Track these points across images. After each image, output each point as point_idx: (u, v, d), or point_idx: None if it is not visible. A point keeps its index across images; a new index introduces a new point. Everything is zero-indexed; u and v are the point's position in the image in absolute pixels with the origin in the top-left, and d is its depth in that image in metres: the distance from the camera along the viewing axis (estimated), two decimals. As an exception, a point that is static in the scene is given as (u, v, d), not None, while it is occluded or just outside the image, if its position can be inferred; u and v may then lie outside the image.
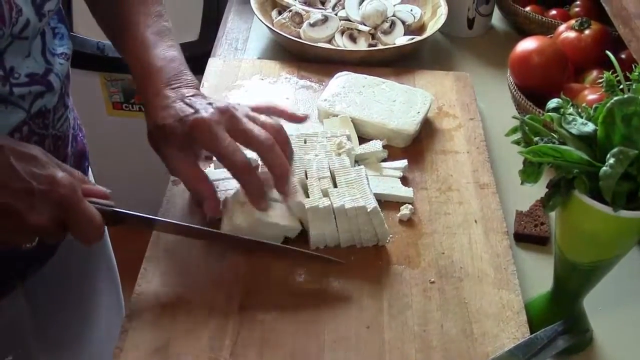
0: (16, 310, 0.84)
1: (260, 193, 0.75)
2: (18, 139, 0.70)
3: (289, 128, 0.94)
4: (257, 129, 0.73)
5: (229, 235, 0.76)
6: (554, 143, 0.63)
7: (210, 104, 0.73)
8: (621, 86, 0.65)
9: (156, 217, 0.76)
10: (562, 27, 1.12)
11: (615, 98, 0.59)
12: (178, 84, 0.75)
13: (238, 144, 0.72)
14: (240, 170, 0.72)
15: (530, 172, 0.64)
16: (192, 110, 0.72)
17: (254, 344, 0.69)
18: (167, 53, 0.78)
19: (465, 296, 0.75)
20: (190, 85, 0.75)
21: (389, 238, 0.81)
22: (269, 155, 0.73)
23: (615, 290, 0.79)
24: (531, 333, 0.71)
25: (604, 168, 0.57)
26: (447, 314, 0.73)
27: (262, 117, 0.76)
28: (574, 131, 0.62)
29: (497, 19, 1.36)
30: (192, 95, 0.74)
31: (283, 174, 0.75)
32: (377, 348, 0.69)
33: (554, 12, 1.27)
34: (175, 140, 0.72)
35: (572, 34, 1.09)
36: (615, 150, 0.57)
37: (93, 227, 0.65)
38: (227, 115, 0.73)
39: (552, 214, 0.87)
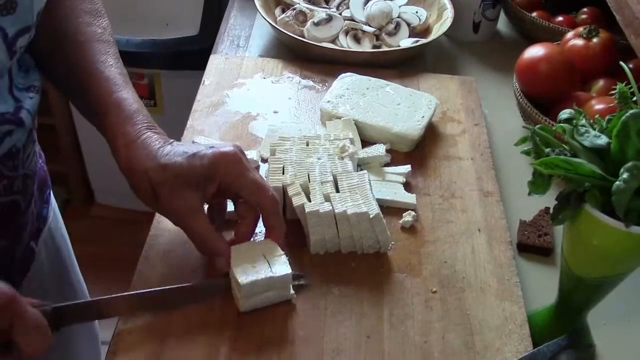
0: None
1: (284, 234, 0.71)
2: None
3: (292, 130, 0.92)
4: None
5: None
6: (565, 155, 0.61)
7: (214, 145, 0.69)
8: (634, 98, 0.63)
9: (100, 298, 0.66)
10: (569, 35, 1.10)
11: (631, 111, 0.57)
12: (157, 130, 0.69)
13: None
14: (272, 207, 0.68)
15: (539, 184, 0.63)
16: (202, 147, 0.67)
17: (251, 351, 0.67)
18: (136, 97, 0.71)
19: (468, 307, 0.74)
20: (165, 134, 0.70)
21: (390, 245, 0.79)
22: (277, 211, 0.70)
23: (619, 305, 0.77)
24: (533, 346, 0.70)
25: (617, 183, 0.56)
26: (449, 325, 0.72)
27: None
28: (586, 143, 0.60)
29: (502, 24, 1.35)
30: (176, 141, 0.69)
31: (282, 236, 0.71)
32: (377, 359, 0.68)
33: (560, 18, 1.26)
34: (187, 180, 0.65)
35: (579, 42, 1.08)
36: (629, 164, 0.56)
37: (41, 332, 0.58)
38: (244, 155, 0.69)
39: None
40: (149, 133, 0.67)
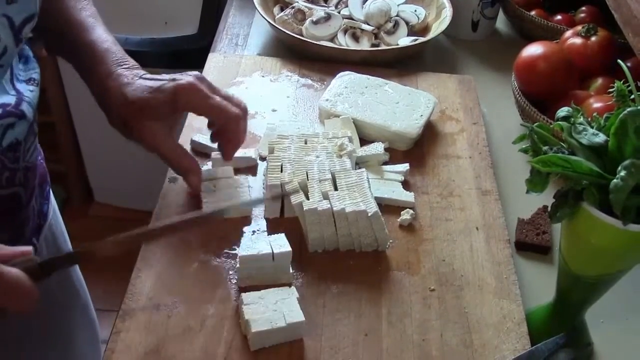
0: None
1: (238, 144, 0.79)
2: None
3: (290, 128, 0.92)
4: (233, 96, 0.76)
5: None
6: (563, 153, 0.61)
7: (175, 77, 0.74)
8: (632, 96, 0.63)
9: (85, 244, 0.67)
10: (568, 33, 1.10)
11: (629, 109, 0.57)
12: (127, 65, 0.74)
13: None
14: (239, 115, 0.74)
15: (537, 182, 0.63)
16: (165, 80, 0.73)
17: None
18: (108, 36, 0.77)
19: (466, 305, 0.74)
20: (138, 67, 0.75)
21: (388, 243, 0.79)
22: (240, 122, 0.76)
23: (617, 303, 0.77)
24: (531, 344, 0.70)
25: (615, 180, 0.56)
26: (447, 323, 0.72)
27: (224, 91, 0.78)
28: (584, 141, 0.60)
29: (501, 22, 1.34)
30: (147, 74, 0.74)
31: (240, 143, 0.78)
32: (375, 356, 0.68)
33: (559, 17, 1.26)
34: (152, 112, 0.72)
35: (578, 40, 1.08)
36: (627, 162, 0.56)
37: (22, 290, 0.57)
38: (205, 82, 0.75)
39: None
40: (119, 70, 0.73)
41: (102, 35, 0.76)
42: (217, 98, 0.74)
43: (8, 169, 0.69)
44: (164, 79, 0.73)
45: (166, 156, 0.75)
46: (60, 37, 0.77)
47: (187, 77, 0.74)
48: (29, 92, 0.70)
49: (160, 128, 0.73)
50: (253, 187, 0.84)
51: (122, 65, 0.74)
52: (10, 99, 0.67)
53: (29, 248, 0.61)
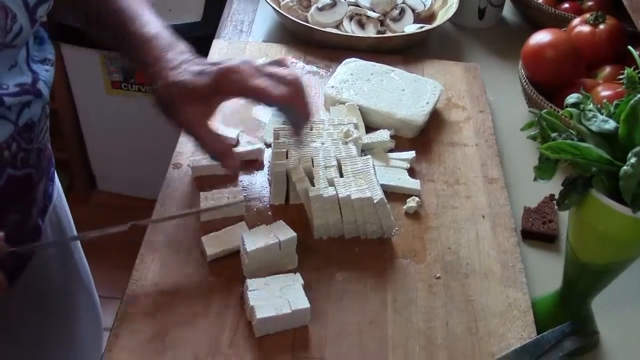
0: None
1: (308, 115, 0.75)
2: (7, 157, 0.67)
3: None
4: (283, 71, 0.73)
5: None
6: (572, 139, 0.60)
7: (220, 61, 0.73)
8: (643, 83, 0.63)
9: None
10: (576, 21, 1.09)
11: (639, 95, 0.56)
12: (177, 49, 0.74)
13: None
14: (294, 93, 0.71)
15: (545, 169, 0.62)
16: (210, 64, 0.72)
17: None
18: (157, 22, 0.77)
19: (471, 293, 0.73)
20: (187, 51, 0.75)
21: (394, 231, 0.79)
22: (301, 94, 0.73)
23: (623, 292, 0.77)
24: (537, 333, 0.69)
25: (625, 167, 0.55)
26: (453, 311, 0.71)
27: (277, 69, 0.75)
28: (594, 128, 0.60)
29: (508, 10, 1.33)
30: (196, 58, 0.74)
31: (310, 115, 0.74)
32: (380, 344, 0.67)
33: (566, 5, 1.24)
34: (195, 94, 0.71)
35: (586, 28, 1.07)
36: (637, 149, 0.55)
37: None
38: (250, 64, 0.73)
39: (561, 212, 0.85)
40: (167, 56, 0.73)
41: (147, 23, 0.76)
42: (260, 79, 0.72)
43: (23, 150, 0.70)
44: (208, 63, 0.73)
45: (200, 140, 0.73)
46: (106, 23, 0.77)
47: (231, 60, 0.73)
48: (45, 71, 0.71)
49: (199, 112, 0.72)
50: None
51: (169, 50, 0.74)
52: (26, 79, 0.68)
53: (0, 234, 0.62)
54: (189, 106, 0.71)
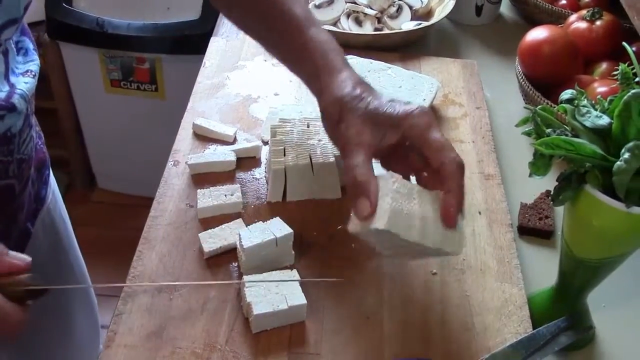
0: None
1: (459, 204, 0.66)
2: None
3: (292, 112, 0.92)
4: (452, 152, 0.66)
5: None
6: (566, 135, 0.61)
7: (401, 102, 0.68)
8: (637, 79, 0.63)
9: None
10: (573, 17, 1.10)
11: (633, 91, 0.57)
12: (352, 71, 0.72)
13: None
14: (453, 170, 0.64)
15: (540, 165, 0.63)
16: (398, 102, 0.67)
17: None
18: (325, 36, 0.74)
19: (467, 289, 0.74)
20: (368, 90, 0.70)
21: (391, 227, 0.79)
22: (458, 176, 0.65)
23: (619, 287, 0.77)
24: (533, 328, 0.70)
25: (618, 163, 0.56)
26: (449, 307, 0.72)
27: None
28: (587, 124, 0.60)
29: (505, 7, 1.34)
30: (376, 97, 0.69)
31: (457, 205, 0.65)
32: (376, 340, 0.68)
33: (563, 1, 1.25)
34: (372, 117, 0.66)
35: (583, 25, 1.07)
36: (630, 144, 0.55)
37: (6, 322, 0.56)
38: (434, 119, 0.66)
39: (557, 208, 0.85)
40: (345, 71, 0.71)
41: (334, 57, 0.73)
42: (444, 137, 0.65)
43: (1, 162, 0.68)
44: (395, 100, 0.68)
45: (351, 168, 0.65)
46: (273, 31, 0.78)
47: (420, 108, 0.66)
48: (24, 84, 0.69)
49: (367, 135, 0.66)
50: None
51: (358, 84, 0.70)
52: (0, 94, 0.66)
53: (28, 259, 0.59)
54: (361, 125, 0.66)
